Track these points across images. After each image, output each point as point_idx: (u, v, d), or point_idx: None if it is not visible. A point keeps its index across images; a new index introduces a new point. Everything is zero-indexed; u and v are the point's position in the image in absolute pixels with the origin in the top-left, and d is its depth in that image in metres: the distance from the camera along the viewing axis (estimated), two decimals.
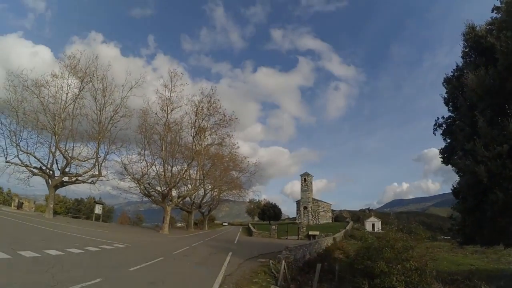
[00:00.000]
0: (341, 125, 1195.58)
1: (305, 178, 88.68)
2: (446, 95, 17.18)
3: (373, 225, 71.65)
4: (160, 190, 35.84)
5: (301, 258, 19.63)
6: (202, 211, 60.63)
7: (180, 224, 69.50)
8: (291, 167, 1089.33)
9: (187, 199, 50.06)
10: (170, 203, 35.54)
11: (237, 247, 23.16)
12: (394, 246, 11.57)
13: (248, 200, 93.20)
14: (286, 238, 38.71)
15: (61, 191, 36.03)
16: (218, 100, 35.14)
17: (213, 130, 36.35)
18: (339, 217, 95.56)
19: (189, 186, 40.18)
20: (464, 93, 13.91)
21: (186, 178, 35.65)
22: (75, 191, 45.70)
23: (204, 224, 60.83)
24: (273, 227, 41.29)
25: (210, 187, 48.22)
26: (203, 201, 53.82)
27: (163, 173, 34.09)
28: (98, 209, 41.84)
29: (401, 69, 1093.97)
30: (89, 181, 35.89)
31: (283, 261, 13.71)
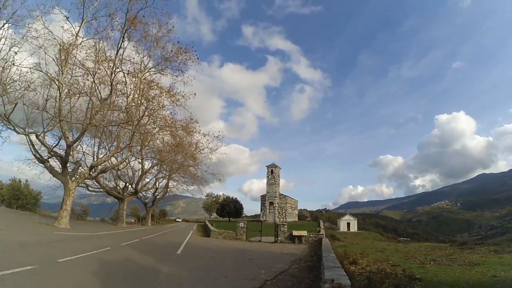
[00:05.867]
0: (303, 127, 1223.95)
1: (272, 170, 77.78)
2: None
3: (348, 224, 63.67)
4: (50, 146, 20.71)
5: None
6: (145, 202, 46.20)
7: (133, 220, 54.65)
8: (250, 166, 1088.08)
9: (119, 183, 35.45)
10: (77, 177, 21.29)
11: (176, 267, 10.08)
12: None
13: (205, 195, 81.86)
14: (260, 241, 26.61)
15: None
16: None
17: (158, 67, 22.51)
18: (300, 216, 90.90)
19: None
20: None
21: (97, 125, 20.34)
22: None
23: (146, 219, 46.37)
24: (241, 224, 28.39)
25: (151, 159, 33.89)
26: (140, 186, 39.31)
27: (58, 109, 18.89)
28: None
29: (366, 77, 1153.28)
30: None
31: None
